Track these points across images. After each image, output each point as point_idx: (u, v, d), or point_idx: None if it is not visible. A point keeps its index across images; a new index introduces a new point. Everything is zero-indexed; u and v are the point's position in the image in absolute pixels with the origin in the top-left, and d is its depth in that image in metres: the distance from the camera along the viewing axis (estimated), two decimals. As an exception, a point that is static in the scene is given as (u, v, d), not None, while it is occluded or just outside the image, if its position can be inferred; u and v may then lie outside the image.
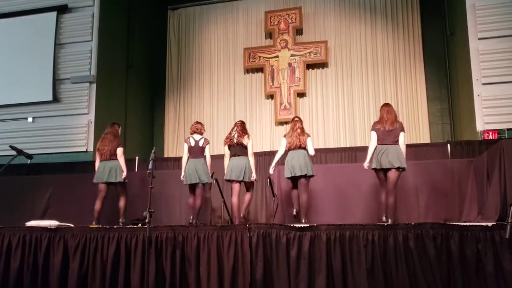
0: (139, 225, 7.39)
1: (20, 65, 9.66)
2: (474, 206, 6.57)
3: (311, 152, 6.22)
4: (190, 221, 6.41)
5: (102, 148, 6.70)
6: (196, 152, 6.48)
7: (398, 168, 5.66)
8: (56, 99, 9.46)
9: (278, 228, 3.75)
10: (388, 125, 5.79)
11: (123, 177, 6.69)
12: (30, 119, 9.56)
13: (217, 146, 9.00)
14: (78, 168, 8.79)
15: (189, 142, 6.54)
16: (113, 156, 6.66)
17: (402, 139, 5.78)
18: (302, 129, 6.32)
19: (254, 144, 6.94)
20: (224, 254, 3.77)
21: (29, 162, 8.40)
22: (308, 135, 6.34)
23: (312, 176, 6.25)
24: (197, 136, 6.59)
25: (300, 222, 6.08)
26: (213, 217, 7.57)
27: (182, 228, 3.93)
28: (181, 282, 3.84)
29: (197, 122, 6.87)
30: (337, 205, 7.07)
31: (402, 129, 5.82)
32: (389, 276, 3.49)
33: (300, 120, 6.50)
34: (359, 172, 6.52)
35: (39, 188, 8.16)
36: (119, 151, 6.70)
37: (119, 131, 7.01)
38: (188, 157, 6.49)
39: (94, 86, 9.43)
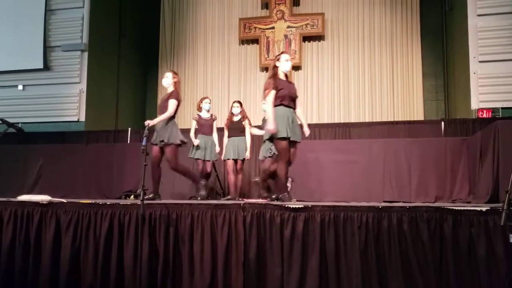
0: (132, 197, 7.44)
1: (10, 31, 9.42)
2: (465, 185, 6.63)
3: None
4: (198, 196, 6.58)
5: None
6: (205, 128, 6.78)
7: None
8: (47, 67, 9.32)
9: (273, 208, 3.74)
10: None
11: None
12: (20, 87, 9.42)
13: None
14: (70, 138, 8.73)
15: (198, 119, 6.84)
16: None
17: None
18: None
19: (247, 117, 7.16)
20: (218, 232, 3.77)
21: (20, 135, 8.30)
22: None
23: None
24: (204, 113, 6.89)
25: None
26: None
27: (176, 206, 3.91)
28: (174, 260, 3.85)
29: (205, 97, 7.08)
30: (330, 180, 7.11)
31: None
32: (381, 258, 3.51)
33: None
34: (351, 148, 6.53)
35: (31, 157, 8.10)
36: None
37: None
38: (198, 133, 6.75)
39: (86, 54, 9.27)
